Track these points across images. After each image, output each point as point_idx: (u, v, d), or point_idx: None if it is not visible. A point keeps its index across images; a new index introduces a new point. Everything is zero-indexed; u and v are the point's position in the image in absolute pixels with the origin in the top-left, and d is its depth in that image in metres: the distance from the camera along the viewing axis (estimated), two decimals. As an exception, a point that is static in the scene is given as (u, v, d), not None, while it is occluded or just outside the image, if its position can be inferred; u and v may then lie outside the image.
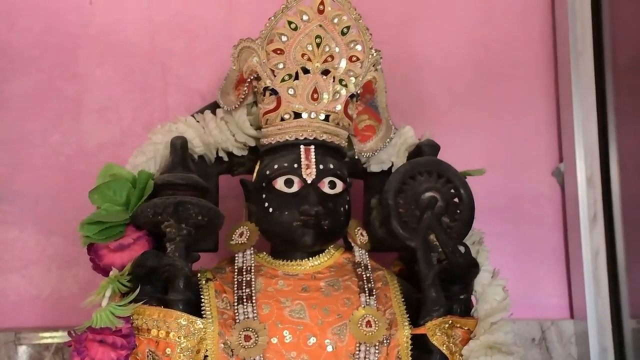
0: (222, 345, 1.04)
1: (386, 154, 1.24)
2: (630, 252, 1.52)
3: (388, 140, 1.23)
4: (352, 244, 1.17)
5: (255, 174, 1.17)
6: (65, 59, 1.48)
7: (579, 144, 1.55)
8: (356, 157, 1.23)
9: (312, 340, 1.05)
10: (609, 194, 1.54)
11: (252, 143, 1.20)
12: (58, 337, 1.37)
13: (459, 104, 1.59)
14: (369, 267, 1.15)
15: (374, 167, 1.25)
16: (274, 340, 1.04)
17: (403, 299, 1.13)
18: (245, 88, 1.16)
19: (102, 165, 1.15)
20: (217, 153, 1.22)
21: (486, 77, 1.60)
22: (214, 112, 1.22)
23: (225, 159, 1.22)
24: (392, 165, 1.24)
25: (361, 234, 1.19)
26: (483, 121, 1.60)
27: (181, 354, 1.02)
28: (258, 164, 1.17)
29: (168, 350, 1.02)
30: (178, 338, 1.02)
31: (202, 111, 1.23)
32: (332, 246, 1.17)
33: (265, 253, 1.16)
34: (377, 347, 1.06)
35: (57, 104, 1.46)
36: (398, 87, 1.39)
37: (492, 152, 1.58)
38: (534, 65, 1.63)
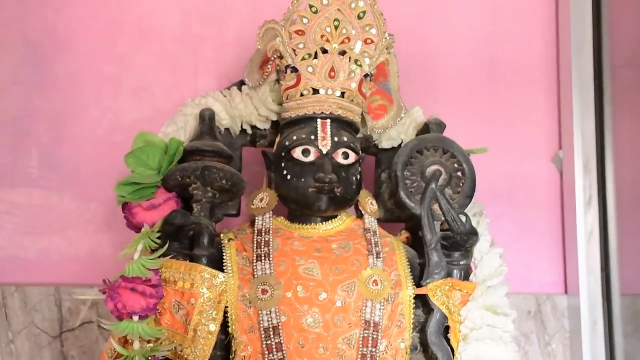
0: (241, 297, 1.08)
1: (396, 131, 1.26)
2: (622, 234, 1.53)
3: (398, 119, 1.25)
4: (363, 212, 1.20)
5: (275, 145, 1.20)
6: (106, 42, 1.52)
7: (578, 133, 1.55)
8: (368, 132, 1.26)
9: (323, 295, 1.08)
10: (604, 180, 1.55)
11: (274, 117, 1.23)
12: (93, 293, 1.41)
13: (466, 94, 1.60)
14: (378, 233, 1.17)
15: (385, 144, 1.27)
16: (288, 294, 1.07)
17: (408, 263, 1.15)
18: (269, 66, 1.19)
19: (137, 139, 1.19)
20: (241, 126, 1.25)
21: (492, 70, 1.61)
22: (239, 89, 1.25)
23: (249, 131, 1.25)
24: (402, 142, 1.26)
25: (371, 203, 1.21)
26: (488, 111, 1.61)
27: (204, 304, 1.06)
28: (278, 136, 1.20)
29: (192, 300, 1.06)
30: (201, 289, 1.06)
31: (229, 88, 1.26)
32: (344, 213, 1.19)
33: (282, 217, 1.19)
34: (382, 304, 1.09)
35: (97, 83, 1.50)
36: (410, 75, 1.40)
37: (495, 139, 1.59)
38: (538, 61, 1.64)
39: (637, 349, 1.54)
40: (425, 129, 1.25)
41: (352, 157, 1.16)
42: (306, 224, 1.16)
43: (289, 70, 1.16)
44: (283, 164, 1.15)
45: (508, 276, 1.17)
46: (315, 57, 1.15)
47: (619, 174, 1.55)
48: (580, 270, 1.53)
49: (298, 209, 1.17)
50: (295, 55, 1.15)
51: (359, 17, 1.16)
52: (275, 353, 1.04)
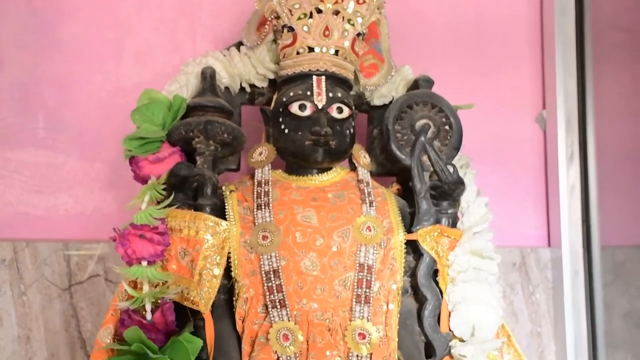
0: (243, 243, 1.13)
1: (387, 89, 1.31)
2: (602, 189, 1.60)
3: (389, 77, 1.31)
4: (356, 165, 1.25)
5: (273, 102, 1.25)
6: (108, 8, 1.56)
7: (560, 92, 1.61)
8: (361, 90, 1.31)
9: (320, 241, 1.14)
10: (585, 137, 1.62)
11: (271, 76, 1.28)
12: (100, 248, 1.47)
13: (451, 56, 1.65)
14: (370, 184, 1.23)
15: (377, 101, 1.32)
16: (288, 240, 1.13)
17: (399, 212, 1.21)
18: (267, 27, 1.23)
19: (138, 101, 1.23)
20: (240, 85, 1.30)
21: (479, 33, 1.66)
22: (238, 50, 1.30)
23: (248, 90, 1.30)
24: (392, 99, 1.31)
25: (364, 156, 1.27)
26: (474, 72, 1.66)
27: (208, 250, 1.11)
28: (276, 93, 1.25)
29: (197, 247, 1.11)
30: (206, 236, 1.11)
31: (228, 49, 1.31)
32: (338, 166, 1.25)
33: (280, 170, 1.24)
34: (375, 248, 1.15)
35: (100, 48, 1.55)
36: (400, 38, 1.44)
37: (481, 99, 1.62)
38: (522, 23, 1.68)
39: (615, 297, 1.62)
40: (414, 85, 1.30)
41: (346, 111, 1.21)
42: (303, 176, 1.22)
43: (285, 30, 1.21)
44: (281, 119, 1.20)
45: (494, 230, 1.22)
46: (311, 16, 1.19)
47: (599, 132, 1.61)
48: (562, 224, 1.60)
49: (295, 161, 1.22)
50: (292, 15, 1.20)
51: (352, -22, 1.21)
52: (275, 294, 1.11)
